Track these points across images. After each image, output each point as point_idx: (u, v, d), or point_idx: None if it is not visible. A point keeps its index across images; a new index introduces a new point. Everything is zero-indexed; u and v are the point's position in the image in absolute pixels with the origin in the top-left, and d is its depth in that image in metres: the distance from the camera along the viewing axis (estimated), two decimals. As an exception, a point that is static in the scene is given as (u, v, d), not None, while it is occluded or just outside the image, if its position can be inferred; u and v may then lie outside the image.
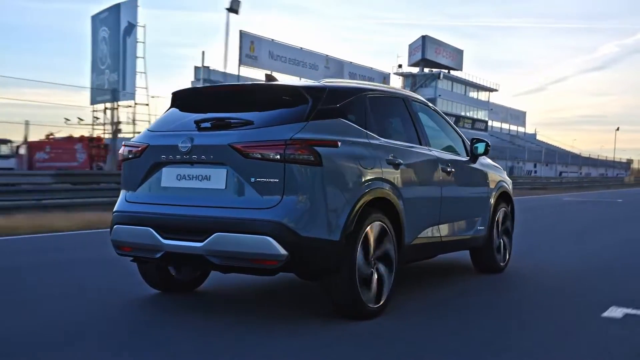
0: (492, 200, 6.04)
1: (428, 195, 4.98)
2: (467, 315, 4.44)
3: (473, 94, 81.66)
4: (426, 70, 72.95)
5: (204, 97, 4.61)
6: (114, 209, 4.40)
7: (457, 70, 77.72)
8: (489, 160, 6.28)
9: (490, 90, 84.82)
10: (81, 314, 4.24)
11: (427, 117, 5.50)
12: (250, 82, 5.17)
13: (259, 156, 3.82)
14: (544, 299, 5.08)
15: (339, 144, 4.03)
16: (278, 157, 3.79)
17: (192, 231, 3.92)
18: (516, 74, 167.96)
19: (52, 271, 5.93)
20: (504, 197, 6.34)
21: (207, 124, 4.11)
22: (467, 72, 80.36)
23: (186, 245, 3.94)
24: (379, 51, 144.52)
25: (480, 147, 5.82)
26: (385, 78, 57.05)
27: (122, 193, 4.43)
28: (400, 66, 73.32)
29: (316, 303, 4.62)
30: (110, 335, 3.78)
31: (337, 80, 4.87)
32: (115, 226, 4.32)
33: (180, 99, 4.59)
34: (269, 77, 4.88)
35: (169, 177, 4.16)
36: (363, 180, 4.13)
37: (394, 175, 4.45)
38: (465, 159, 5.78)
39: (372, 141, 4.37)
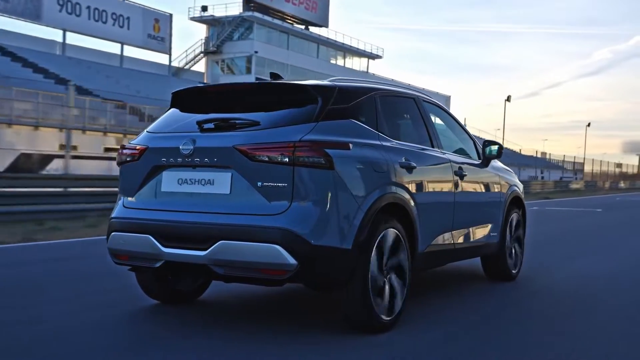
0: (504, 205, 5.82)
1: (441, 200, 4.76)
2: (485, 331, 4.23)
3: (337, 61, 56.13)
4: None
5: (207, 97, 4.35)
6: (111, 215, 4.16)
7: (319, 26, 52.79)
8: (499, 163, 6.08)
9: (370, 56, 58.48)
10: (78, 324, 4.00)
11: (438, 117, 5.29)
12: (256, 81, 4.93)
13: (266, 159, 3.59)
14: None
15: (351, 146, 3.81)
16: (287, 159, 3.56)
17: (194, 239, 3.68)
18: (511, 78, 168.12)
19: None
20: (516, 201, 6.13)
21: (211, 125, 3.87)
22: (339, 31, 55.49)
23: (188, 254, 3.71)
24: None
25: (493, 150, 5.62)
26: (158, 20, 39.92)
27: (120, 198, 4.19)
28: (204, 9, 48.93)
29: (326, 314, 4.39)
30: (107, 347, 3.54)
31: (346, 78, 4.62)
32: (112, 233, 4.07)
33: (181, 99, 4.35)
34: (275, 76, 4.63)
35: (169, 181, 3.92)
36: (376, 184, 3.90)
37: (408, 180, 4.22)
38: (478, 162, 5.57)
39: (384, 143, 4.14)
